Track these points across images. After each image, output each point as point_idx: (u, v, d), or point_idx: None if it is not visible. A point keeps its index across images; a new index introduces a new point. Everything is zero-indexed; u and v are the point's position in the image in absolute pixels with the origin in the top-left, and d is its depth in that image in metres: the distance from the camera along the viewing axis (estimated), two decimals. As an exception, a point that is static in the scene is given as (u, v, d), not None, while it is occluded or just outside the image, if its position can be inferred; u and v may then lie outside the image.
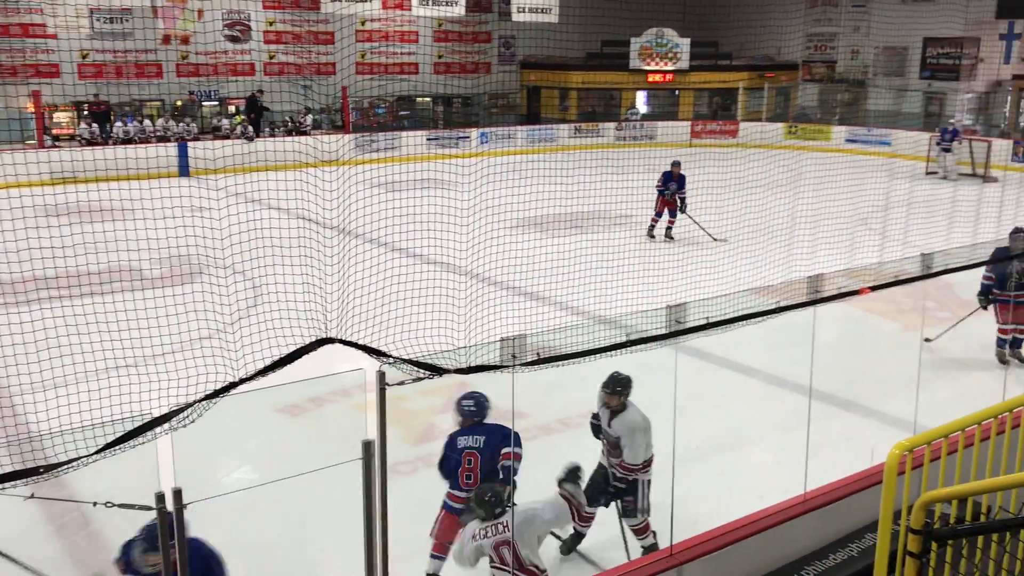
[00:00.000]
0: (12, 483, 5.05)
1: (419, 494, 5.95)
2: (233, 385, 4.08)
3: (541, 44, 28.44)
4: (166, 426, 3.89)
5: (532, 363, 4.58)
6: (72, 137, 23.74)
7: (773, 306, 5.49)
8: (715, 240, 14.96)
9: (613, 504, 5.89)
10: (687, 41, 29.88)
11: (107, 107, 24.46)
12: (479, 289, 8.22)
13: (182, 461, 4.37)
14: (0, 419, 7.15)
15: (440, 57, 30.48)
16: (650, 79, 30.70)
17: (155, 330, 7.50)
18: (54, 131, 23.96)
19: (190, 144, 23.01)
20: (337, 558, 5.79)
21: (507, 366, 4.54)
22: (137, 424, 3.83)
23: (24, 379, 6.83)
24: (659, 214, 15.80)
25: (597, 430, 5.93)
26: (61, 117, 24.41)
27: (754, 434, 8.15)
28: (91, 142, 23.09)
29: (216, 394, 3.99)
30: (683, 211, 15.59)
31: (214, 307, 7.30)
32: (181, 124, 24.95)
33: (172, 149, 22.85)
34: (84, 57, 24.54)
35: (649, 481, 5.81)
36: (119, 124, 24.25)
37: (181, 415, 3.88)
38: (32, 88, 23.49)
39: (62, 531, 6.04)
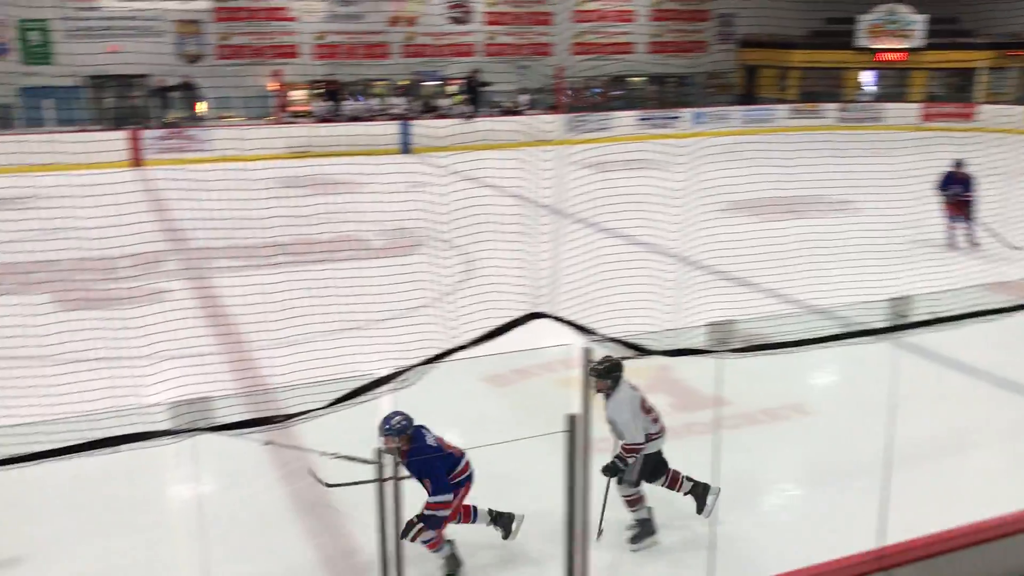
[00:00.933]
0: (250, 430, 5.55)
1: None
2: (449, 352, 4.30)
3: (761, 22, 27.48)
4: (388, 387, 4.15)
5: (740, 350, 4.51)
6: (307, 114, 25.46)
7: (1009, 304, 5.11)
8: (1013, 248, 13.41)
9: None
10: (924, 18, 27.91)
11: (338, 86, 26.01)
12: (688, 272, 8.14)
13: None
14: (242, 372, 7.88)
15: (656, 36, 30.13)
16: (879, 58, 28.96)
17: (379, 297, 7.96)
18: (291, 108, 25.78)
19: (412, 122, 24.07)
20: (533, 527, 5.95)
21: (714, 351, 4.50)
22: (363, 383, 4.11)
23: (263, 337, 7.48)
24: (954, 219, 13.96)
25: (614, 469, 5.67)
26: (298, 95, 26.22)
27: (979, 439, 7.62)
28: (324, 119, 24.67)
29: (433, 360, 4.21)
30: (970, 217, 13.79)
31: (432, 278, 7.65)
32: (404, 103, 26.16)
33: (395, 127, 23.99)
34: (320, 39, 26.21)
35: (647, 456, 5.65)
36: (349, 102, 25.74)
37: (401, 378, 4.13)
38: (274, 68, 25.39)
39: (289, 477, 6.56)
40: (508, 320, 4.34)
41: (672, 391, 8.19)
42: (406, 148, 23.56)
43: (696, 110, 27.77)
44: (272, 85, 25.47)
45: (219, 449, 5.79)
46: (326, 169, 14.90)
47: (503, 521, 5.63)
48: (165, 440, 3.47)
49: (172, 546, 5.67)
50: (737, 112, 28.14)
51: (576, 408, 4.12)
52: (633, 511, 5.72)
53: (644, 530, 5.74)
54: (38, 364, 7.29)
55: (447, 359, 4.31)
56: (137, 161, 21.01)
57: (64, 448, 3.58)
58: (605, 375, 5.57)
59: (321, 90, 25.99)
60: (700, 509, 5.79)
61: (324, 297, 7.52)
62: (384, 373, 4.04)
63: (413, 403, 6.09)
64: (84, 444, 3.32)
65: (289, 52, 25.89)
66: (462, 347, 4.33)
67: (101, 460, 3.95)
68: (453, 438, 7.12)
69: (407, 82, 27.33)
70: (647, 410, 5.70)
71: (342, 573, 5.48)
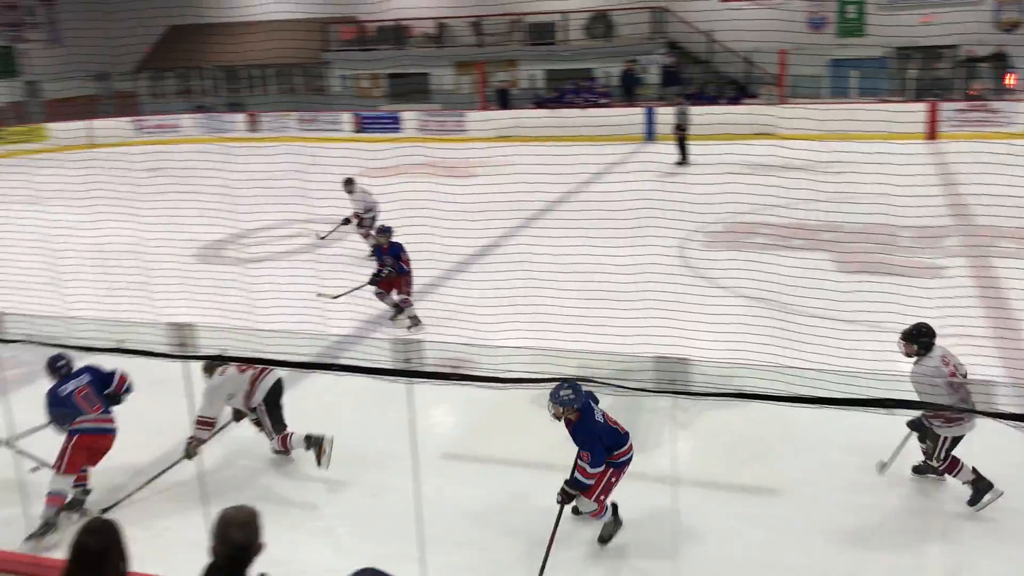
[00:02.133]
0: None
1: None
2: None
3: None
4: None
5: None
6: None
7: None
8: None
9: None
10: None
11: None
12: None
13: None
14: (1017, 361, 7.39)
15: None
16: None
17: None
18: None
19: None
20: None
21: None
22: None
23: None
24: None
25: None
26: None
27: None
28: None
29: None
30: None
31: None
32: None
33: None
34: None
35: (952, 439, 5.58)
36: None
37: None
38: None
39: None
40: None
41: None
42: None
43: None
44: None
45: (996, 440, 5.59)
46: None
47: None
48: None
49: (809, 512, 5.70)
50: None
51: None
52: (957, 476, 5.69)
53: (978, 492, 5.63)
54: (815, 317, 7.85)
55: None
56: (932, 134, 20.73)
57: (814, 398, 3.81)
58: (911, 339, 5.59)
59: None
60: (973, 501, 5.65)
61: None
62: None
63: None
64: (844, 400, 3.51)
65: None
66: None
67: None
68: None
69: None
70: (955, 387, 5.49)
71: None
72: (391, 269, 9.33)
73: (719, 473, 6.34)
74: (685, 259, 11.31)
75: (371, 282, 9.44)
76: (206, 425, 6.34)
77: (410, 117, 25.77)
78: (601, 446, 5.40)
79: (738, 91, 23.73)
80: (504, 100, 25.72)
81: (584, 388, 5.37)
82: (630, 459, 5.55)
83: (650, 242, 10.00)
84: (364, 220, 12.19)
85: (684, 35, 24.96)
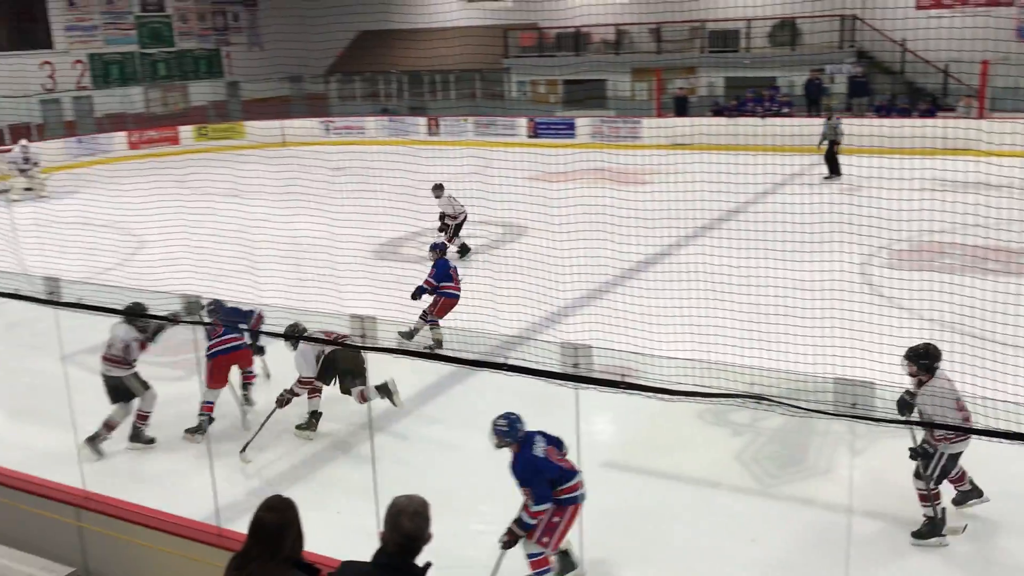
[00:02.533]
0: None
1: None
2: None
3: None
4: None
5: None
6: None
7: None
8: None
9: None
10: None
11: None
12: None
13: None
14: None
15: None
16: None
17: None
18: None
19: None
20: None
21: None
22: None
23: None
24: None
25: (903, 405, 5.42)
26: None
27: None
28: None
29: None
30: None
31: None
32: None
33: None
34: None
35: (951, 455, 5.45)
36: None
37: None
38: None
39: None
40: None
41: None
42: None
43: None
44: None
45: None
46: None
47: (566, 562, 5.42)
48: None
49: None
50: None
51: None
52: (924, 506, 5.55)
53: (930, 529, 5.54)
54: (1012, 346, 7.33)
55: None
56: None
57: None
58: (915, 359, 5.45)
59: None
60: (920, 535, 5.55)
61: None
62: None
63: None
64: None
65: None
66: None
67: None
68: None
69: None
70: (960, 408, 5.38)
71: None
72: (422, 287, 9.13)
73: (896, 506, 6.01)
74: (867, 276, 10.80)
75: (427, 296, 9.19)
76: (305, 385, 7.27)
77: (584, 123, 25.84)
78: (542, 482, 5.04)
79: (932, 103, 22.41)
80: (681, 108, 25.36)
81: (528, 428, 5.20)
82: (577, 498, 5.17)
83: (832, 257, 9.61)
84: (448, 225, 12.96)
85: (875, 44, 23.83)
